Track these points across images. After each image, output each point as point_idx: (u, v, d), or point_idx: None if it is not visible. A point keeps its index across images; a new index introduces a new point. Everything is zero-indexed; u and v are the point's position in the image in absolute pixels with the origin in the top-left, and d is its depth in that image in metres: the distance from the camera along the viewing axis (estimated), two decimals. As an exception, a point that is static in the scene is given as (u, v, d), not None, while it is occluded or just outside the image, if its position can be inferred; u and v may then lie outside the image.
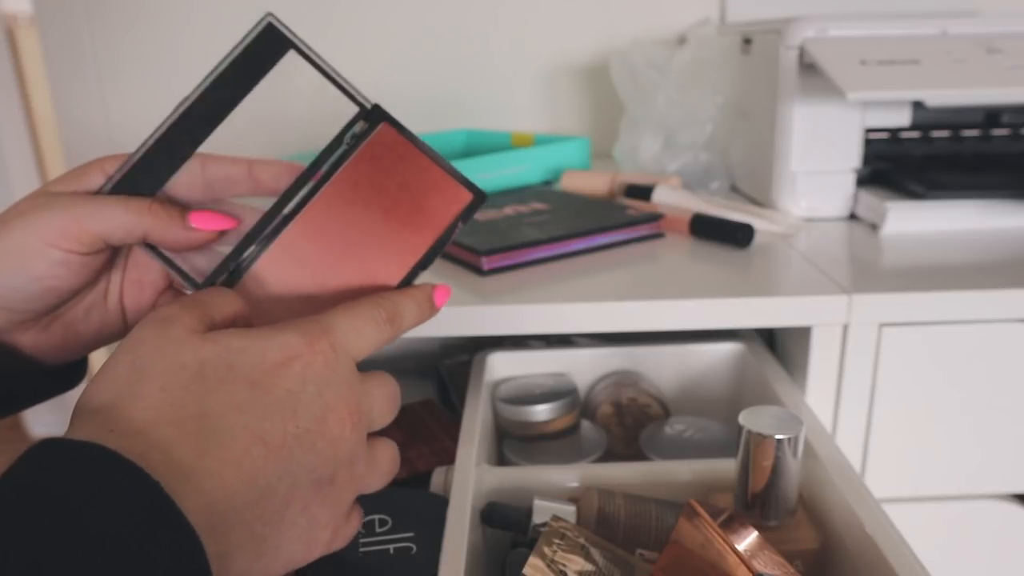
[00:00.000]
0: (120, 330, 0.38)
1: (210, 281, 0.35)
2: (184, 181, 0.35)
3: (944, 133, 0.72)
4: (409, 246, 0.35)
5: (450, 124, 1.17)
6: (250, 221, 0.36)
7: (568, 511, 0.43)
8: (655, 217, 0.67)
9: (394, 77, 1.16)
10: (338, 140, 0.37)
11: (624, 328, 0.53)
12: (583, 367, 0.62)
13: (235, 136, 0.40)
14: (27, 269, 0.32)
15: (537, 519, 0.42)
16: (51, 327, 0.36)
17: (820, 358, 0.54)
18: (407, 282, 0.35)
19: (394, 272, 0.35)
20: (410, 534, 0.42)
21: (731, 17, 1.11)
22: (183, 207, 0.34)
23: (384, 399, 0.32)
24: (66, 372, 0.38)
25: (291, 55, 0.35)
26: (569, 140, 0.95)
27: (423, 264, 0.35)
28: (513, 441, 0.58)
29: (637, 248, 0.65)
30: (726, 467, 0.45)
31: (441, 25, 1.14)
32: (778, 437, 0.39)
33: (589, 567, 0.37)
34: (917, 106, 0.70)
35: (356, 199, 0.35)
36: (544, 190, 0.84)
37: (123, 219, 0.32)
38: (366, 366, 0.32)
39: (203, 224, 0.34)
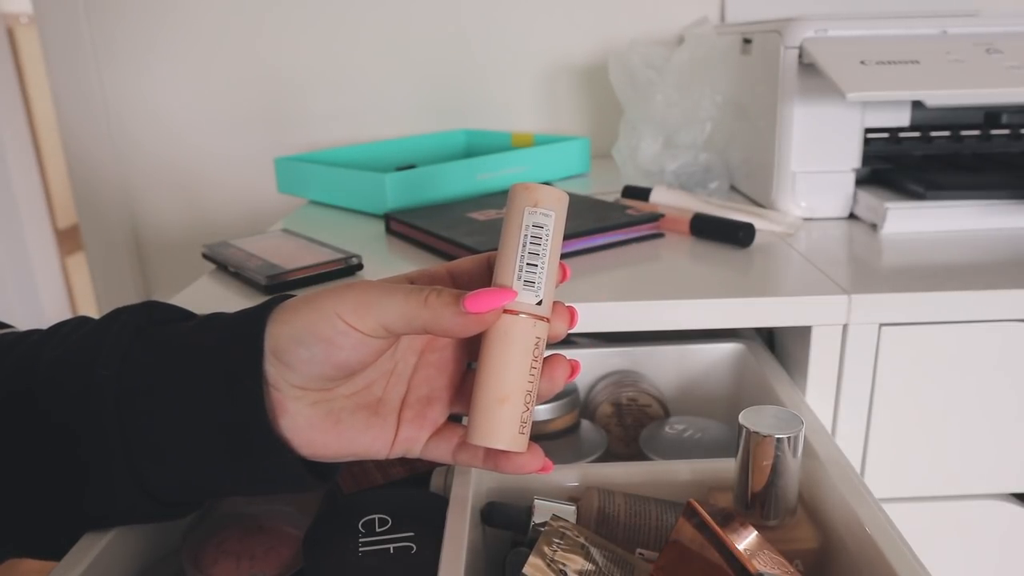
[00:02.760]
0: (384, 445, 0.37)
1: None
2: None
3: (944, 133, 0.72)
4: None
5: (450, 124, 1.17)
6: None
7: (568, 511, 0.43)
8: (655, 217, 0.67)
9: (395, 77, 1.16)
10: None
11: (624, 328, 0.53)
12: (583, 367, 0.62)
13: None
14: (317, 330, 0.33)
15: (537, 519, 0.42)
16: (317, 409, 0.35)
17: (820, 358, 0.54)
18: None
19: None
20: (410, 534, 0.42)
21: (730, 17, 1.11)
22: (460, 293, 0.33)
23: None
24: (320, 468, 0.38)
25: None
26: (569, 140, 0.95)
27: None
28: (513, 441, 0.58)
29: (637, 248, 0.65)
30: (726, 467, 0.45)
31: (441, 25, 1.14)
32: (778, 436, 0.39)
33: (589, 566, 0.37)
34: (917, 106, 0.70)
35: None
36: (544, 190, 0.84)
37: (402, 310, 0.33)
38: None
39: (476, 307, 0.33)
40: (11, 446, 0.36)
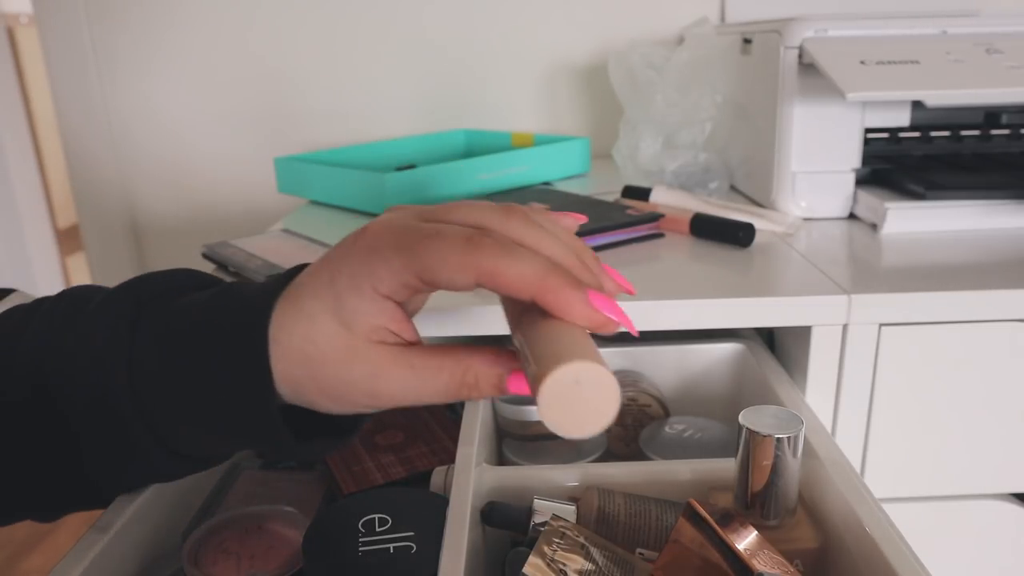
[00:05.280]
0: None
1: None
2: None
3: (944, 133, 0.72)
4: None
5: (450, 124, 1.17)
6: None
7: (568, 510, 0.43)
8: (655, 217, 0.67)
9: (395, 77, 1.16)
10: None
11: (624, 328, 0.53)
12: (583, 367, 0.62)
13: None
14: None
15: (537, 518, 0.42)
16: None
17: (820, 358, 0.54)
18: None
19: None
20: (410, 533, 0.42)
21: (730, 17, 1.11)
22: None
23: None
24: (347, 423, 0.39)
25: None
26: (569, 140, 0.95)
27: None
28: (513, 441, 0.58)
29: (637, 248, 0.65)
30: (726, 467, 0.45)
31: (441, 25, 1.14)
32: (778, 436, 0.39)
33: (589, 566, 0.37)
34: (917, 106, 0.70)
35: None
36: (544, 190, 0.85)
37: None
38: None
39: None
40: (27, 444, 0.38)
